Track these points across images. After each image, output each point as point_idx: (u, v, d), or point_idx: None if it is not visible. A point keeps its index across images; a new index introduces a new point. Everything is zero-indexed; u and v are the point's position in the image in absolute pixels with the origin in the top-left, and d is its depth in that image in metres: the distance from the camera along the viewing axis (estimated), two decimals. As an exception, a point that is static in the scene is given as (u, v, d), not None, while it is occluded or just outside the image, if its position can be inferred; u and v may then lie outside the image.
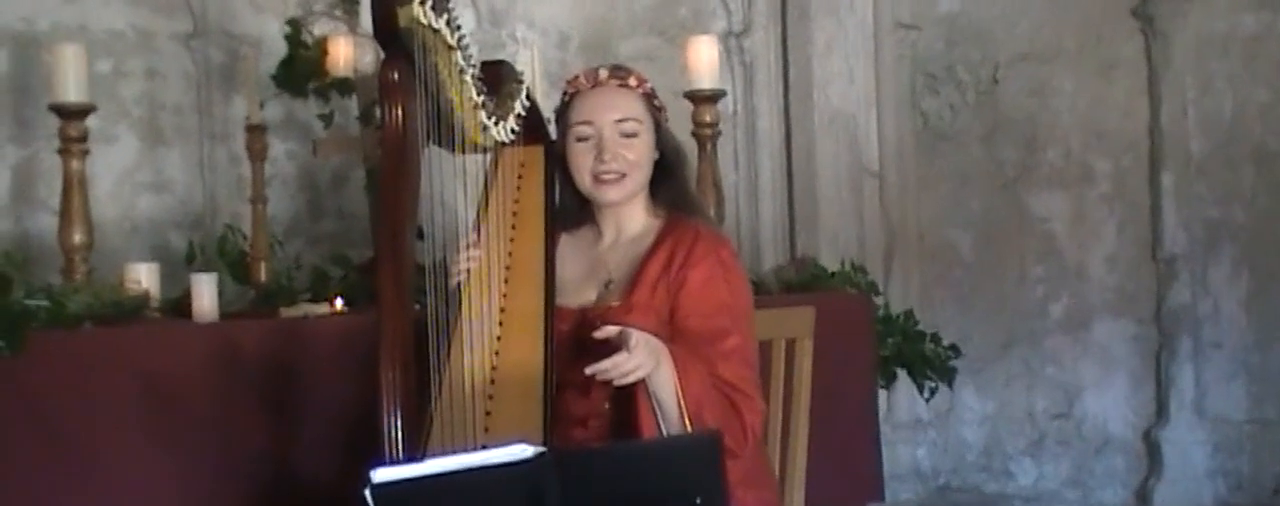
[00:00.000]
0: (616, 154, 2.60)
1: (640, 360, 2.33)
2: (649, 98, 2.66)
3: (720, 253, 2.59)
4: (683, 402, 2.40)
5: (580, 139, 2.62)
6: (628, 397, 2.46)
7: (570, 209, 2.70)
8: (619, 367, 2.32)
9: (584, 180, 2.63)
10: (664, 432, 2.43)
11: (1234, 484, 4.89)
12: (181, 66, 4.79)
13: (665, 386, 2.39)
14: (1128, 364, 5.09)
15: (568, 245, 2.70)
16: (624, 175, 2.61)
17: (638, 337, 2.33)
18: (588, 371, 2.34)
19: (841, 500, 3.91)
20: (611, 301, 2.57)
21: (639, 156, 2.62)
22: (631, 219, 2.68)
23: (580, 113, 2.62)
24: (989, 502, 5.10)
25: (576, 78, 2.68)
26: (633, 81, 2.65)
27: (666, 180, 2.68)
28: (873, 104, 5.23)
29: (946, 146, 5.35)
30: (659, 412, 2.42)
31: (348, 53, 4.37)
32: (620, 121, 2.61)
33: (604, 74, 2.65)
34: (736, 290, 2.59)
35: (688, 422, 2.40)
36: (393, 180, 2.38)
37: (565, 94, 2.68)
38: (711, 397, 2.44)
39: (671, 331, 2.49)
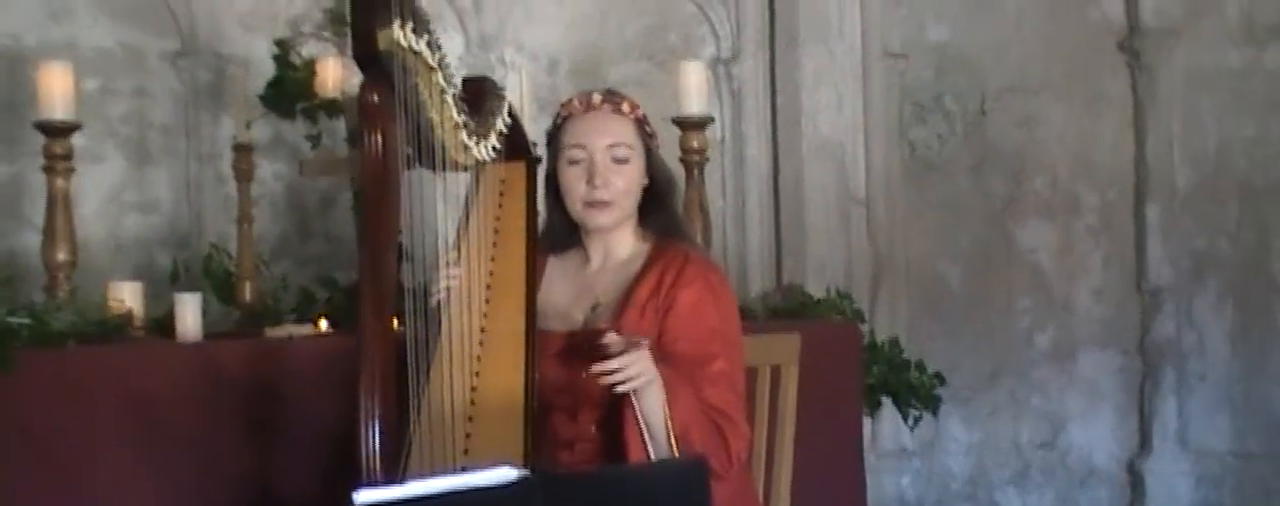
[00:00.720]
0: (607, 180, 2.59)
1: (646, 367, 2.35)
2: (641, 123, 2.66)
3: (709, 277, 2.59)
4: (670, 424, 2.40)
5: (572, 162, 2.61)
6: (615, 421, 2.47)
7: (559, 231, 2.70)
8: (628, 368, 2.33)
9: (575, 204, 2.63)
10: (651, 455, 2.42)
11: (1217, 515, 4.90)
12: (169, 86, 4.77)
13: (654, 407, 2.40)
14: (1113, 395, 5.10)
15: (555, 268, 2.70)
16: (613, 202, 2.61)
17: (646, 344, 2.36)
18: (594, 369, 2.36)
19: (826, 527, 3.91)
20: (599, 324, 2.56)
21: (629, 183, 2.62)
22: (620, 243, 2.67)
23: (573, 136, 2.62)
24: (973, 533, 5.10)
25: (571, 101, 2.67)
26: (626, 107, 2.65)
27: (656, 206, 2.68)
28: (861, 132, 5.23)
29: (934, 176, 5.36)
30: (646, 434, 2.41)
31: (336, 74, 4.36)
32: (612, 146, 2.60)
33: (598, 98, 2.64)
34: (725, 315, 2.59)
35: (674, 445, 2.40)
36: (374, 203, 2.37)
37: (558, 116, 2.67)
38: (698, 421, 2.44)
39: (659, 355, 2.48)
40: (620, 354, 2.36)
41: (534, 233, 2.67)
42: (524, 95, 4.13)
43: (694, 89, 4.21)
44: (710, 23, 5.35)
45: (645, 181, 2.66)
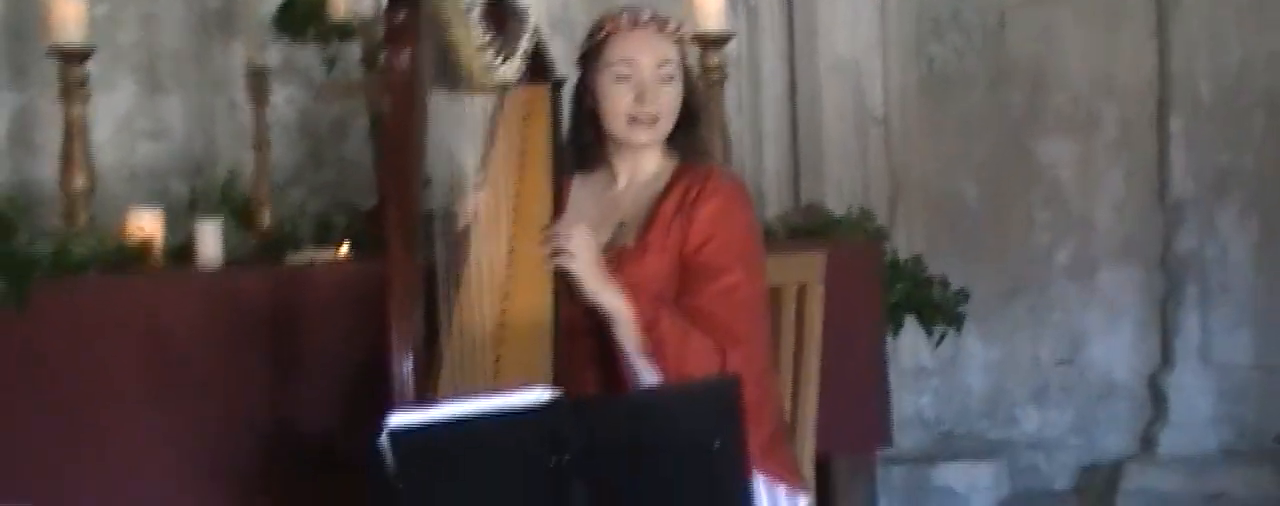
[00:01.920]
0: (656, 97, 2.59)
1: (581, 245, 2.44)
2: (681, 44, 2.68)
3: (732, 191, 2.61)
4: (644, 342, 2.44)
5: (619, 78, 2.60)
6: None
7: (586, 149, 2.69)
8: (559, 243, 2.43)
9: (619, 121, 2.61)
10: (638, 373, 2.46)
11: (1238, 430, 4.90)
12: (178, 11, 4.72)
13: (622, 326, 2.46)
14: (1133, 310, 5.08)
15: (580, 188, 2.69)
16: (660, 118, 2.61)
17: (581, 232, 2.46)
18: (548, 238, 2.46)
19: (851, 445, 3.92)
20: (625, 242, 2.58)
21: (674, 101, 2.63)
22: (648, 162, 2.67)
23: (620, 52, 2.60)
24: (993, 449, 5.09)
25: (615, 16, 2.65)
26: (670, 26, 2.66)
27: (686, 126, 2.68)
28: (878, 49, 5.18)
29: (952, 92, 5.30)
30: (625, 347, 2.46)
31: (348, -4, 4.31)
32: (661, 65, 2.60)
33: (645, 16, 2.64)
34: (744, 230, 2.60)
35: (659, 363, 2.44)
36: (399, 124, 2.35)
37: (600, 31, 2.65)
38: (677, 334, 2.46)
39: (679, 266, 2.51)
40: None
41: (559, 156, 2.66)
42: (541, 14, 4.09)
43: (712, 6, 4.18)
44: (726, -61, 5.27)
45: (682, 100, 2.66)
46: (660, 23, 2.64)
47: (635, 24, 2.62)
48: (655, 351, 2.44)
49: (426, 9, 2.35)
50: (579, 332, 2.54)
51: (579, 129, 2.68)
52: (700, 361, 2.45)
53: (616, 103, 2.60)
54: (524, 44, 2.63)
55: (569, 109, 2.72)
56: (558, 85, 2.76)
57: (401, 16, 2.31)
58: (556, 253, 2.45)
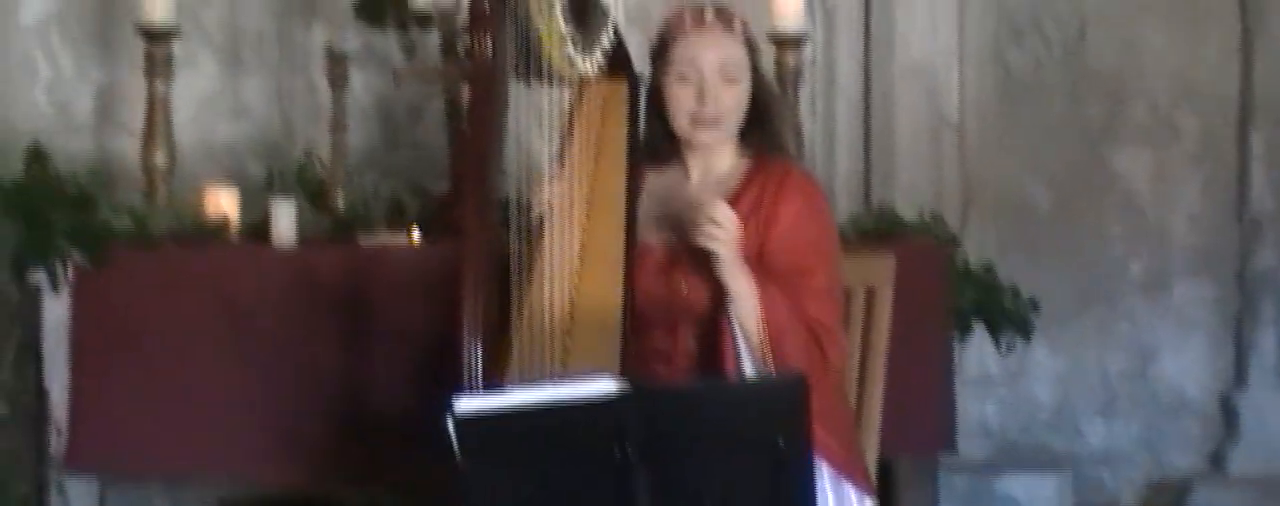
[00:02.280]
0: (717, 98, 2.60)
1: (730, 230, 2.41)
2: (749, 42, 2.67)
3: (810, 192, 2.62)
4: (763, 328, 2.43)
5: (681, 79, 2.61)
6: (712, 335, 2.48)
7: (659, 147, 2.70)
8: (713, 226, 2.41)
9: (682, 121, 2.63)
10: (743, 359, 2.46)
11: (1312, 451, 4.83)
12: (262, -7, 4.78)
13: (747, 310, 2.44)
14: (1207, 326, 5.01)
15: (655, 184, 2.70)
16: (722, 119, 2.62)
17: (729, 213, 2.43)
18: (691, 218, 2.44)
19: (914, 448, 3.90)
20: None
21: (737, 101, 2.63)
22: (721, 159, 2.68)
23: (683, 53, 2.61)
24: (1057, 462, 5.03)
25: (681, 16, 2.66)
26: (736, 25, 2.65)
27: (758, 122, 2.68)
28: (955, 54, 5.15)
29: (1029, 99, 5.25)
30: (739, 337, 2.45)
31: (429, -14, 4.34)
32: (723, 66, 2.60)
33: (709, 16, 2.64)
34: (825, 229, 2.62)
35: (767, 349, 2.44)
36: (480, 109, 2.40)
37: (666, 32, 2.66)
38: (793, 326, 2.47)
39: (759, 269, 2.50)
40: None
41: (636, 151, 2.67)
42: (618, 10, 4.10)
43: (790, 7, 4.18)
44: (805, -61, 5.26)
45: (749, 98, 2.66)
46: (726, 22, 2.64)
47: (699, 24, 2.63)
48: (773, 343, 2.45)
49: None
50: (651, 325, 2.55)
51: (651, 126, 2.69)
52: (805, 356, 2.47)
53: (679, 103, 2.62)
54: (604, 38, 2.66)
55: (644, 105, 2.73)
56: (637, 81, 2.77)
57: (486, 4, 2.34)
58: (704, 230, 2.44)
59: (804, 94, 4.80)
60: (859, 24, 5.21)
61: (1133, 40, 5.11)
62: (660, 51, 2.66)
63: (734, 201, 2.58)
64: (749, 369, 2.47)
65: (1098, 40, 5.16)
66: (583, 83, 2.72)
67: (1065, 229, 5.20)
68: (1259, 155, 4.89)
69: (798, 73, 4.24)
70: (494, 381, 2.32)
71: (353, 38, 4.58)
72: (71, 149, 4.28)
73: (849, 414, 2.75)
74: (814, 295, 2.52)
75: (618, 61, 2.75)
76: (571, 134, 2.71)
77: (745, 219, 2.55)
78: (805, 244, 2.55)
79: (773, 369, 2.45)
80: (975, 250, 4.86)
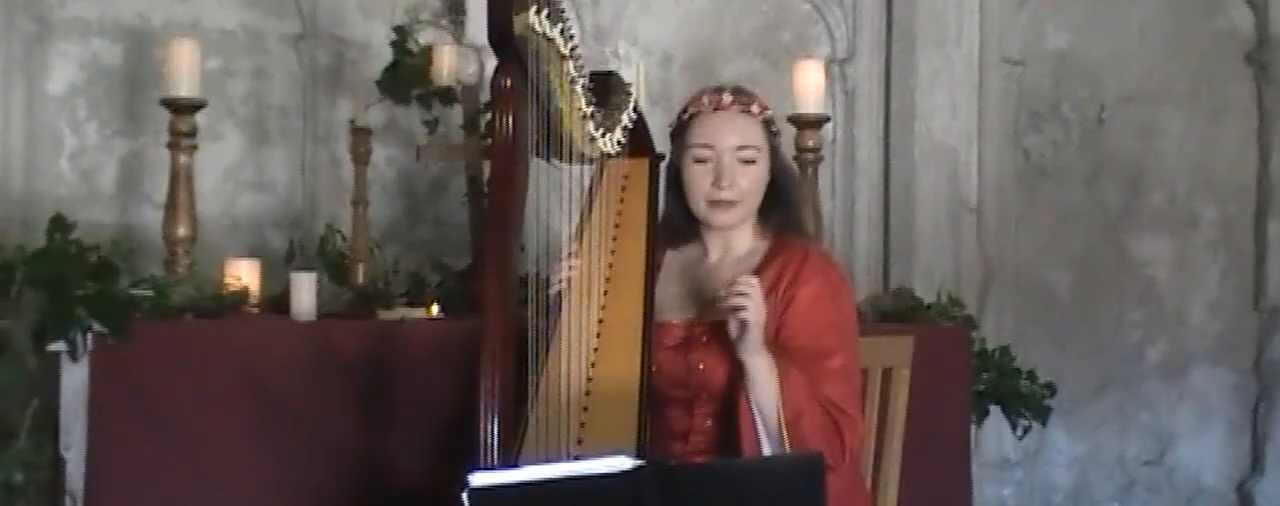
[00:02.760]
0: (734, 180, 2.59)
1: (758, 304, 2.39)
2: (768, 124, 2.67)
3: (829, 274, 2.60)
4: (781, 410, 2.40)
5: (699, 161, 2.61)
6: (729, 415, 2.47)
7: (678, 225, 2.70)
8: (740, 297, 2.39)
9: (699, 203, 2.63)
10: (762, 440, 2.44)
11: (1330, 542, 4.78)
12: (288, 67, 4.84)
13: (766, 391, 2.41)
14: (1225, 413, 4.99)
15: (673, 261, 2.70)
16: (738, 202, 2.61)
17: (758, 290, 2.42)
18: (721, 295, 2.43)
19: (931, 533, 3.87)
20: (717, 317, 2.55)
21: (754, 183, 2.63)
22: (740, 239, 2.67)
23: (701, 135, 2.61)
24: (1074, 547, 5.02)
25: (699, 97, 2.66)
26: (755, 108, 2.64)
27: (777, 204, 2.68)
28: (975, 138, 5.18)
29: (1048, 184, 5.28)
30: (758, 418, 2.43)
31: (452, 62, 4.39)
32: (741, 149, 2.60)
33: (727, 98, 2.63)
34: (843, 311, 2.59)
35: (785, 431, 2.41)
36: (501, 186, 2.39)
37: (685, 112, 2.67)
38: (811, 409, 2.44)
39: (777, 350, 2.48)
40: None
41: (654, 229, 2.68)
42: (641, 89, 4.13)
43: (811, 87, 4.21)
44: (826, 23, 5.32)
45: (768, 180, 2.65)
46: (743, 103, 2.63)
47: (717, 106, 2.62)
48: (791, 424, 2.41)
49: (532, 76, 2.38)
50: (667, 403, 2.54)
51: (669, 206, 2.70)
52: (822, 440, 2.44)
53: (696, 185, 2.61)
54: (625, 117, 2.67)
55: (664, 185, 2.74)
56: (657, 159, 2.78)
57: (508, 82, 2.35)
58: (732, 305, 2.41)
59: (824, 174, 4.83)
60: (879, 106, 5.25)
61: (1151, 127, 5.14)
62: (679, 132, 2.66)
63: None
64: (767, 449, 2.44)
65: (1116, 127, 5.19)
66: (604, 160, 2.73)
67: (1084, 314, 5.20)
68: (1276, 244, 4.89)
69: (818, 153, 4.25)
70: (511, 457, 2.31)
71: (377, 112, 4.63)
72: (94, 218, 4.32)
73: (865, 499, 2.72)
74: (831, 377, 2.49)
75: (639, 139, 2.76)
76: (591, 210, 2.71)
77: (763, 299, 2.53)
78: (824, 326, 2.53)
79: (789, 450, 2.43)
80: (994, 332, 4.87)
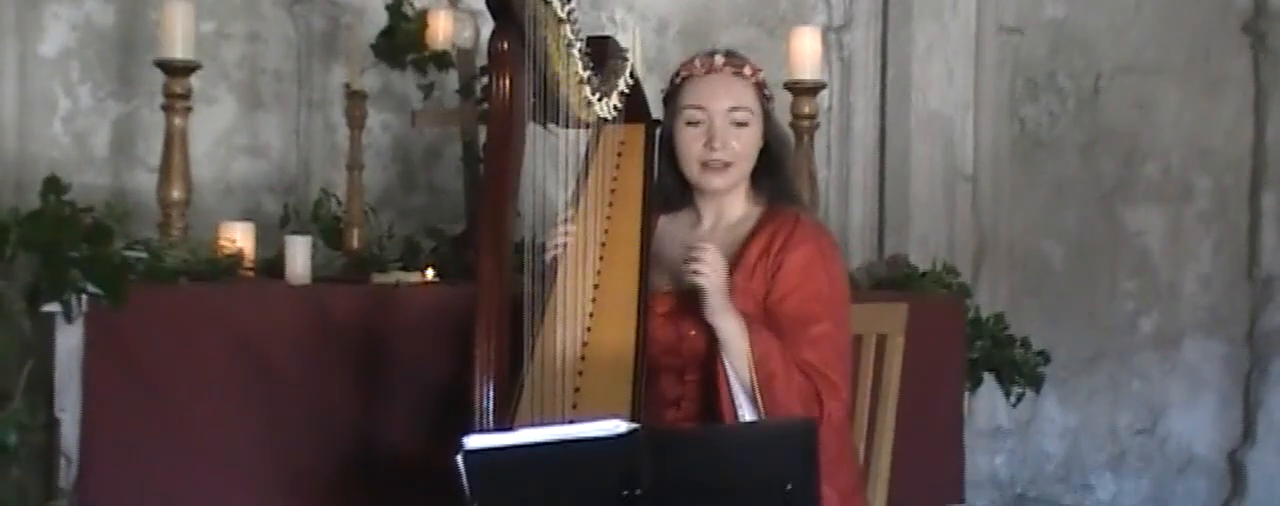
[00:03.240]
0: (726, 142, 2.59)
1: (715, 267, 2.40)
2: (760, 87, 2.66)
3: (820, 240, 2.59)
4: (753, 369, 2.41)
5: (690, 123, 2.61)
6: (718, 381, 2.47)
7: (671, 192, 2.69)
8: (696, 261, 2.41)
9: (691, 166, 2.62)
10: (739, 403, 2.45)
11: (1319, 512, 4.81)
12: (283, 32, 4.80)
13: (737, 353, 2.43)
14: (1216, 384, 5.01)
15: (666, 228, 2.69)
16: (731, 164, 2.60)
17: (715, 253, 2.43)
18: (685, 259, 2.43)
19: (922, 499, 3.88)
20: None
21: (747, 146, 2.62)
22: (732, 205, 2.67)
23: (693, 97, 2.61)
24: (1066, 516, 5.05)
25: (691, 61, 2.66)
26: (747, 70, 2.64)
27: (770, 170, 2.68)
28: (971, 107, 5.18)
29: (1043, 154, 5.28)
30: (733, 381, 2.44)
31: (447, 27, 4.36)
32: (733, 110, 2.60)
33: (720, 60, 2.64)
34: (833, 278, 2.58)
35: (758, 393, 2.42)
36: (498, 150, 2.38)
37: (677, 76, 2.67)
38: (786, 371, 2.44)
39: (764, 314, 2.49)
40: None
41: (650, 196, 2.66)
42: (637, 54, 4.12)
43: (808, 55, 4.19)
44: (823, -10, 5.31)
45: (761, 144, 2.64)
46: (736, 66, 2.63)
47: (709, 69, 2.62)
48: (763, 386, 2.42)
49: (530, 40, 2.37)
50: (660, 370, 2.54)
51: (663, 171, 2.69)
52: (800, 404, 2.44)
53: (688, 147, 2.61)
54: (622, 82, 2.66)
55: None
56: (653, 126, 2.77)
57: (505, 45, 2.34)
58: (691, 269, 2.43)
59: (819, 142, 4.82)
60: (876, 75, 5.24)
61: (1147, 99, 5.14)
62: (672, 96, 2.66)
63: (743, 248, 2.58)
64: (746, 412, 2.45)
65: (1112, 98, 5.19)
66: (600, 126, 2.72)
67: (1077, 284, 5.22)
68: (1270, 215, 4.90)
69: (814, 121, 4.24)
70: (505, 422, 2.32)
71: (373, 77, 4.61)
72: (88, 182, 4.30)
73: (853, 465, 2.71)
74: (815, 343, 2.49)
75: (635, 107, 2.74)
76: (587, 177, 2.71)
77: (753, 266, 2.54)
78: (811, 292, 2.52)
79: (763, 412, 2.43)
80: (987, 301, 4.88)
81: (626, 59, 2.72)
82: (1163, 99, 5.14)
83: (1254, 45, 4.96)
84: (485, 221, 2.38)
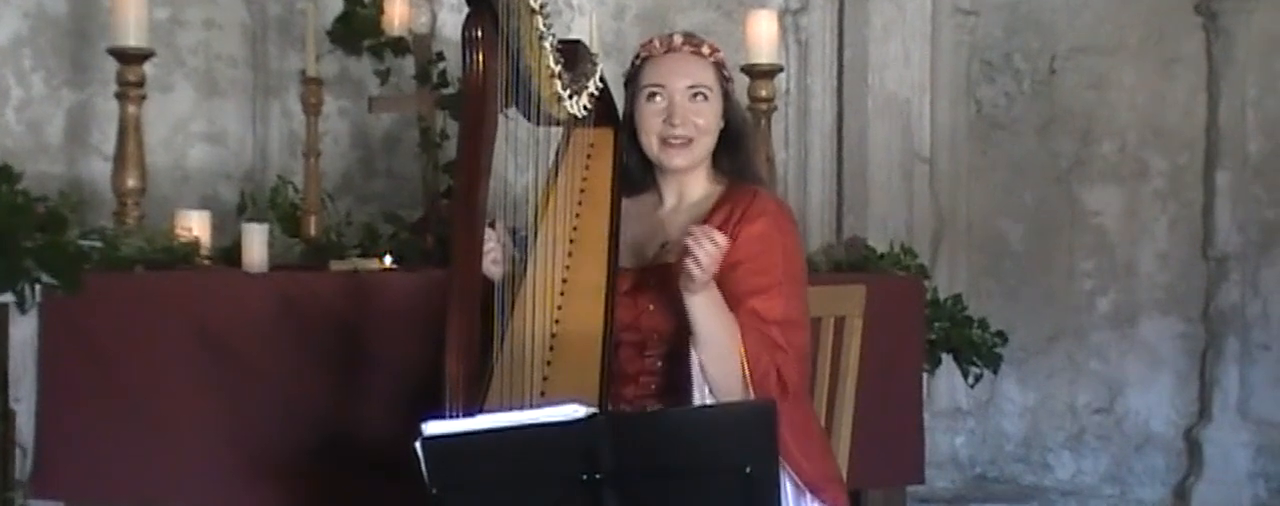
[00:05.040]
0: (686, 119, 2.59)
1: (710, 260, 2.35)
2: (720, 67, 2.67)
3: (778, 216, 2.59)
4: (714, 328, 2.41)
5: (650, 100, 2.61)
6: (679, 356, 2.49)
7: (634, 173, 2.70)
8: (703, 246, 2.34)
9: (651, 143, 2.62)
10: (705, 382, 2.44)
11: (1275, 487, 4.86)
12: (238, 18, 4.78)
13: (719, 345, 2.42)
14: (1173, 362, 5.05)
15: (629, 210, 2.69)
16: (691, 140, 2.61)
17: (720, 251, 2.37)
18: (690, 232, 2.37)
19: (883, 480, 3.91)
20: (668, 260, 2.56)
21: (707, 123, 2.62)
22: (694, 185, 2.68)
23: (652, 76, 2.62)
24: (1026, 494, 5.06)
25: (650, 42, 2.67)
26: (706, 49, 2.65)
27: (730, 149, 2.68)
28: (927, 89, 5.18)
29: (1000, 135, 5.31)
30: (696, 370, 2.43)
31: (404, 12, 4.35)
32: (692, 88, 2.61)
33: (678, 40, 2.65)
34: (788, 253, 2.58)
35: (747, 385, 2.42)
36: (470, 131, 2.36)
37: (637, 57, 2.67)
38: (752, 340, 2.44)
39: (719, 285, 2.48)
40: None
41: (618, 198, 2.66)
42: (594, 39, 4.12)
43: (764, 37, 4.20)
44: (780, -27, 5.31)
45: (721, 125, 2.66)
46: (694, 45, 2.65)
47: (669, 48, 2.64)
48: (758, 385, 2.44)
49: (503, 27, 2.37)
50: (617, 346, 2.55)
51: (627, 153, 2.69)
52: (754, 379, 2.45)
53: (648, 124, 2.62)
54: (592, 84, 2.66)
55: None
56: (621, 130, 2.78)
57: (479, 31, 2.32)
58: (690, 248, 2.37)
59: (777, 125, 4.83)
60: (832, 57, 5.24)
61: (1102, 78, 5.17)
62: (632, 77, 2.67)
63: (704, 222, 2.55)
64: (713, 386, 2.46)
65: (1068, 79, 5.21)
66: (570, 127, 2.73)
67: (1035, 264, 5.25)
68: (1224, 194, 4.93)
69: (771, 103, 4.25)
70: (472, 404, 2.32)
71: (330, 63, 4.60)
72: (42, 170, 4.27)
73: (816, 432, 2.72)
74: (754, 316, 2.47)
75: (604, 112, 2.75)
76: (557, 173, 2.71)
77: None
78: (765, 264, 2.52)
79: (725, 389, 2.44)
80: (946, 283, 4.90)
81: (596, 64, 2.72)
82: (1117, 79, 5.16)
83: (1206, 26, 4.99)
84: (457, 202, 2.36)
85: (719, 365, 2.44)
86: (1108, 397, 5.14)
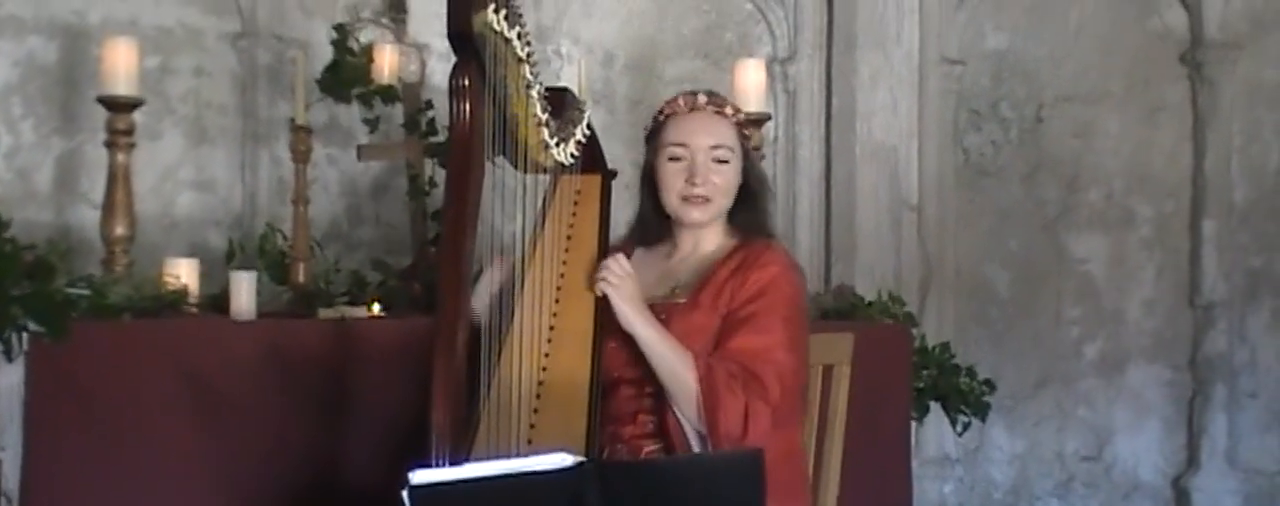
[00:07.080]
0: (707, 178, 2.66)
1: (620, 276, 2.50)
2: (740, 127, 2.74)
3: (786, 266, 2.66)
4: (672, 363, 2.49)
5: (673, 159, 2.68)
6: (638, 397, 2.56)
7: (651, 225, 2.76)
8: (604, 269, 2.51)
9: (672, 199, 2.69)
10: (683, 414, 2.50)
11: (1263, 534, 4.86)
12: (228, 66, 4.80)
13: (656, 350, 2.50)
14: (1161, 409, 5.06)
15: (642, 257, 2.76)
16: (711, 199, 2.67)
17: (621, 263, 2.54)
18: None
19: (871, 529, 3.90)
20: (677, 299, 2.62)
21: (727, 182, 2.69)
22: (709, 238, 2.74)
23: (675, 134, 2.68)
24: (1014, 543, 5.07)
25: (675, 100, 2.74)
26: (728, 110, 2.73)
27: (747, 206, 2.75)
28: (915, 137, 5.21)
29: (987, 183, 5.33)
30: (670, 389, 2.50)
31: (393, 61, 4.38)
32: (714, 148, 2.67)
33: (702, 99, 2.72)
34: (792, 302, 2.63)
35: (700, 388, 2.47)
36: (458, 180, 2.37)
37: (661, 115, 2.74)
38: (718, 371, 2.49)
39: (722, 324, 2.56)
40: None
41: (605, 244, 2.69)
42: (582, 87, 4.14)
43: (753, 87, 4.23)
44: (767, 22, 5.35)
45: (740, 181, 2.72)
46: (717, 105, 2.71)
47: (692, 107, 2.70)
48: (704, 382, 2.47)
49: (490, 76, 2.38)
50: (617, 384, 2.58)
51: (643, 205, 2.75)
52: (727, 387, 2.48)
53: (670, 182, 2.68)
54: (579, 132, 2.68)
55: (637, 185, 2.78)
56: (609, 176, 2.81)
57: (465, 80, 2.34)
58: (598, 278, 2.51)
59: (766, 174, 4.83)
60: (821, 105, 5.28)
61: (1088, 127, 5.21)
62: (655, 133, 2.73)
63: (715, 269, 2.64)
64: (689, 431, 2.50)
65: (1054, 126, 5.25)
66: (557, 174, 2.74)
67: (1022, 311, 5.26)
68: (1210, 242, 4.97)
69: (759, 152, 4.26)
70: (459, 452, 2.31)
71: (319, 111, 4.60)
72: (30, 217, 4.27)
73: (797, 475, 2.72)
74: (750, 352, 2.52)
75: (591, 158, 2.78)
76: (544, 219, 2.73)
77: (723, 283, 2.60)
78: (765, 305, 2.57)
79: (700, 414, 2.47)
80: (934, 330, 4.91)
81: (583, 111, 2.75)
82: (1103, 127, 5.20)
83: (1191, 76, 5.04)
84: (445, 251, 2.37)
85: (672, 383, 2.50)
86: (1096, 445, 5.14)
